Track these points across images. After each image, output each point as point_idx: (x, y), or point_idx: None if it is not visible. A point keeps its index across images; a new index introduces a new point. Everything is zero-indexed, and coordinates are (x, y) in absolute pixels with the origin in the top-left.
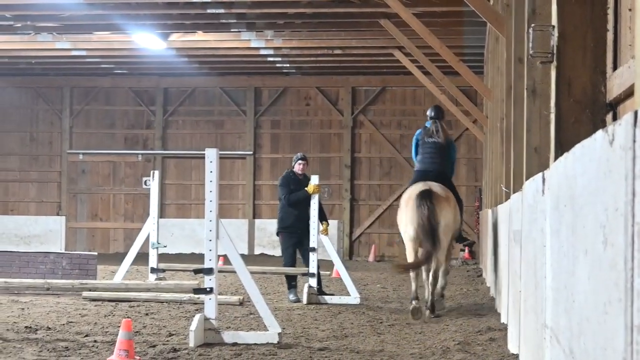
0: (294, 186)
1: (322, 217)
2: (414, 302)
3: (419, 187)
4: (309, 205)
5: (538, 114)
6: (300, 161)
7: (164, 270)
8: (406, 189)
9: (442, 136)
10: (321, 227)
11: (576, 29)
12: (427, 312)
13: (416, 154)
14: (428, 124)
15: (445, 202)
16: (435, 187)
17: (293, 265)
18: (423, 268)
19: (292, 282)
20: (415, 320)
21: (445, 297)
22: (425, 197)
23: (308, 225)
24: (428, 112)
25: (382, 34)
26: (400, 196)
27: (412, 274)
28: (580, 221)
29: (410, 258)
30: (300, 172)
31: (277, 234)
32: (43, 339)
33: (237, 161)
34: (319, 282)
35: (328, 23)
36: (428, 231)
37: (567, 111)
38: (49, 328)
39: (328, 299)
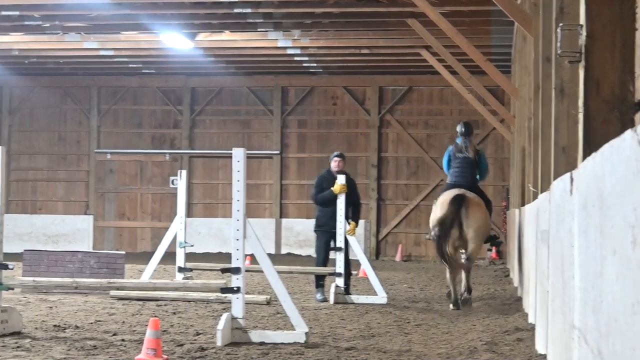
0: (327, 185)
1: (355, 217)
2: (452, 296)
3: (453, 192)
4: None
5: (566, 114)
6: (335, 158)
7: (191, 270)
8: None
9: (471, 152)
10: (348, 227)
11: (604, 28)
12: (459, 304)
13: (448, 167)
14: (459, 140)
15: (477, 206)
16: (468, 193)
17: (324, 264)
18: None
19: (320, 281)
20: (449, 301)
21: (472, 291)
22: (459, 200)
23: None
24: (458, 129)
25: (410, 34)
26: (426, 197)
27: (448, 274)
28: (609, 221)
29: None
30: (336, 170)
31: (315, 232)
32: (71, 338)
33: (264, 161)
34: (347, 282)
35: (355, 22)
36: (448, 225)
37: (596, 111)
38: (77, 327)
39: (355, 298)
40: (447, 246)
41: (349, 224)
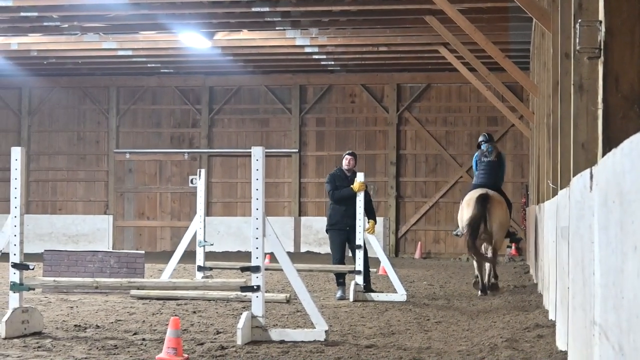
0: (340, 183)
1: (370, 216)
2: (476, 278)
3: (478, 191)
4: (354, 202)
5: (585, 110)
6: (347, 156)
7: (210, 269)
8: (464, 195)
9: (494, 156)
10: (367, 225)
11: (624, 23)
12: (487, 290)
13: (476, 169)
14: (483, 146)
15: (499, 204)
16: (491, 192)
17: (341, 262)
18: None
19: (339, 279)
20: (476, 289)
21: (498, 277)
22: (484, 199)
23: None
24: (481, 138)
25: (427, 31)
26: (445, 194)
27: (475, 265)
28: (629, 217)
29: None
30: (347, 168)
31: (327, 232)
32: (92, 337)
33: (283, 159)
34: (367, 280)
35: (373, 20)
36: (477, 224)
37: (615, 107)
38: (98, 326)
39: (375, 296)
40: (477, 241)
41: (368, 222)
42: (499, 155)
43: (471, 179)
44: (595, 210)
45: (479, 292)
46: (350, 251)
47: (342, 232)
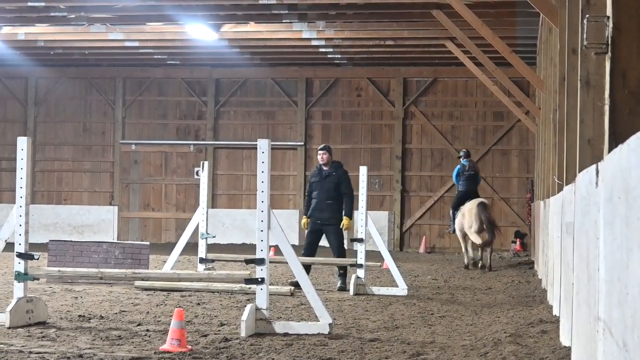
0: (314, 179)
1: (347, 211)
2: (467, 260)
3: (476, 201)
4: (326, 196)
5: (591, 105)
6: (319, 152)
7: (212, 261)
8: (459, 202)
9: (472, 169)
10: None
11: (631, 19)
12: (485, 268)
13: (457, 180)
14: (464, 162)
15: (490, 207)
16: (485, 201)
17: (310, 255)
18: (477, 246)
19: (341, 270)
20: (468, 268)
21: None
22: (484, 206)
23: (328, 215)
24: (461, 154)
25: (434, 25)
26: (450, 189)
27: (465, 248)
28: (635, 213)
29: (477, 241)
30: (322, 163)
31: None
32: (96, 328)
33: (288, 152)
34: (343, 268)
35: (380, 14)
36: (489, 226)
37: (622, 102)
38: (102, 317)
39: (375, 290)
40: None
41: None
42: (475, 167)
43: None
44: (601, 206)
45: (464, 266)
46: (328, 244)
47: (314, 225)
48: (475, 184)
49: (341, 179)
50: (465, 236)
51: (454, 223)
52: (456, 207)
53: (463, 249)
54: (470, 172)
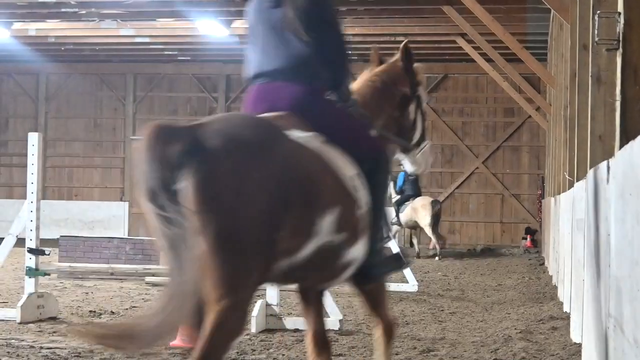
0: None
1: None
2: (417, 249)
3: (428, 198)
4: None
5: (603, 102)
6: None
7: None
8: (405, 200)
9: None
10: None
11: None
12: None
13: (403, 184)
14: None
15: (441, 207)
16: (438, 199)
17: None
18: (432, 233)
19: None
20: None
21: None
22: (436, 202)
23: None
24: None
25: (445, 21)
26: (460, 185)
27: (412, 239)
28: None
29: (429, 233)
30: None
31: None
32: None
33: None
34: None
35: (390, 10)
36: (437, 219)
37: (633, 99)
38: (113, 312)
39: (386, 286)
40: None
41: None
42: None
43: (487, 169)
44: (612, 203)
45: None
46: None
47: None
48: (419, 186)
49: None
50: (414, 228)
51: (398, 217)
52: (401, 204)
53: (412, 240)
54: (412, 178)
